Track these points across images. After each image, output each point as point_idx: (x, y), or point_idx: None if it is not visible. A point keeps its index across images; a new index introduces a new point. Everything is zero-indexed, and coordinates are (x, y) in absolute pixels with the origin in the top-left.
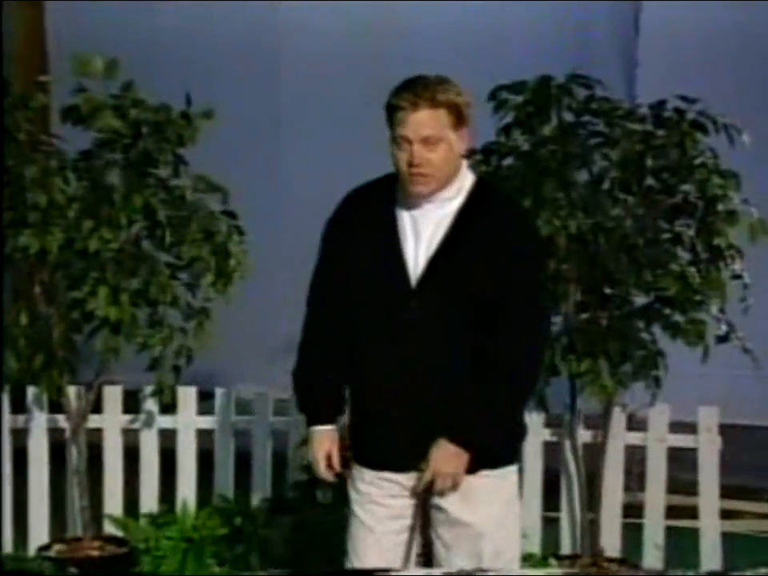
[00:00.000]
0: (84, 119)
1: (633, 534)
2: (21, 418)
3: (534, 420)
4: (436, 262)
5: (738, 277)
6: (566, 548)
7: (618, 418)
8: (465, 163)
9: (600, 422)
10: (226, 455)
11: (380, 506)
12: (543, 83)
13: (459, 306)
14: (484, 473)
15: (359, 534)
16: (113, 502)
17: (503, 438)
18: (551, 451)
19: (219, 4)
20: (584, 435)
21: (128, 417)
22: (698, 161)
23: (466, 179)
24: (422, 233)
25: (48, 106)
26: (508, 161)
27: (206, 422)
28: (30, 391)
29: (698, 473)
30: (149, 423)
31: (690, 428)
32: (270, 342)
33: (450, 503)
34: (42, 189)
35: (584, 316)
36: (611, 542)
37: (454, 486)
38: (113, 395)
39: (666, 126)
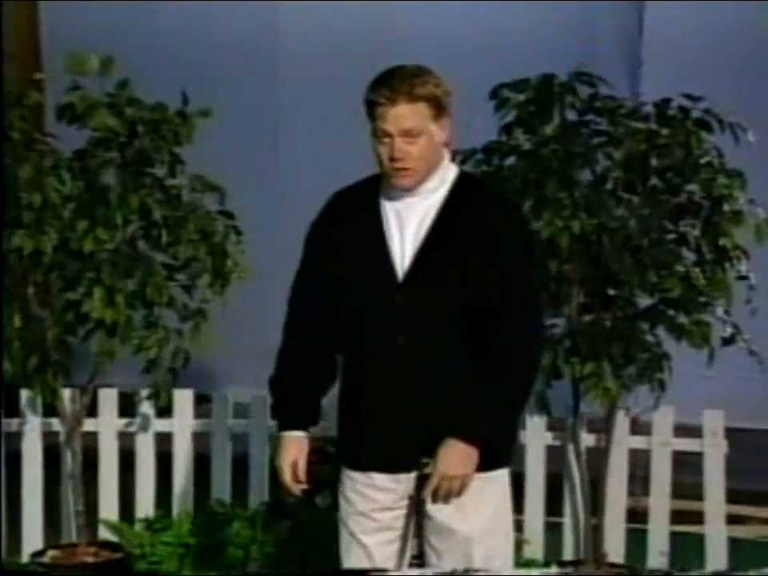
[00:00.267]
0: (79, 118)
1: (637, 539)
2: (14, 421)
3: (536, 423)
4: (422, 255)
5: (743, 278)
6: (569, 554)
7: (622, 422)
8: (447, 153)
9: (603, 426)
10: (223, 459)
11: (369, 519)
12: (546, 81)
13: (448, 299)
14: (476, 475)
15: (351, 549)
16: (108, 506)
17: (510, 437)
18: (554, 455)
19: (218, 3)
20: (587, 439)
21: (123, 420)
22: (703, 160)
23: (449, 170)
24: (406, 226)
25: (42, 104)
26: (510, 160)
27: (203, 425)
28: (24, 394)
29: (703, 477)
30: (145, 426)
31: (695, 431)
32: (267, 343)
33: (438, 510)
34: (37, 188)
35: (587, 318)
36: (615, 548)
37: (461, 489)
38: (108, 398)
39: (671, 125)
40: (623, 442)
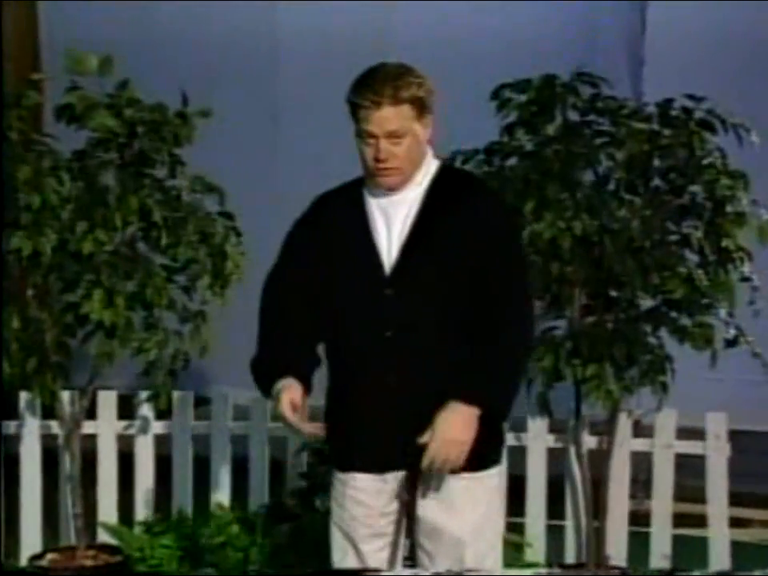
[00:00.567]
0: (78, 118)
1: (639, 542)
2: (13, 423)
3: (538, 425)
4: (409, 248)
5: (746, 279)
6: (571, 557)
7: (624, 424)
8: (430, 149)
9: (605, 428)
10: (223, 461)
11: (361, 525)
12: (547, 82)
13: (436, 290)
14: (464, 475)
15: (345, 557)
16: (107, 509)
17: (510, 401)
18: (556, 457)
19: (217, 3)
20: (589, 441)
21: (123, 422)
22: (705, 161)
23: (432, 163)
24: (393, 221)
25: (41, 104)
26: (511, 161)
27: (203, 427)
28: (23, 396)
29: (705, 480)
30: (144, 429)
31: (698, 434)
32: None
33: (429, 511)
34: (35, 189)
35: (589, 320)
36: (617, 551)
37: (456, 461)
38: (107, 400)
39: (673, 126)
40: (625, 444)
